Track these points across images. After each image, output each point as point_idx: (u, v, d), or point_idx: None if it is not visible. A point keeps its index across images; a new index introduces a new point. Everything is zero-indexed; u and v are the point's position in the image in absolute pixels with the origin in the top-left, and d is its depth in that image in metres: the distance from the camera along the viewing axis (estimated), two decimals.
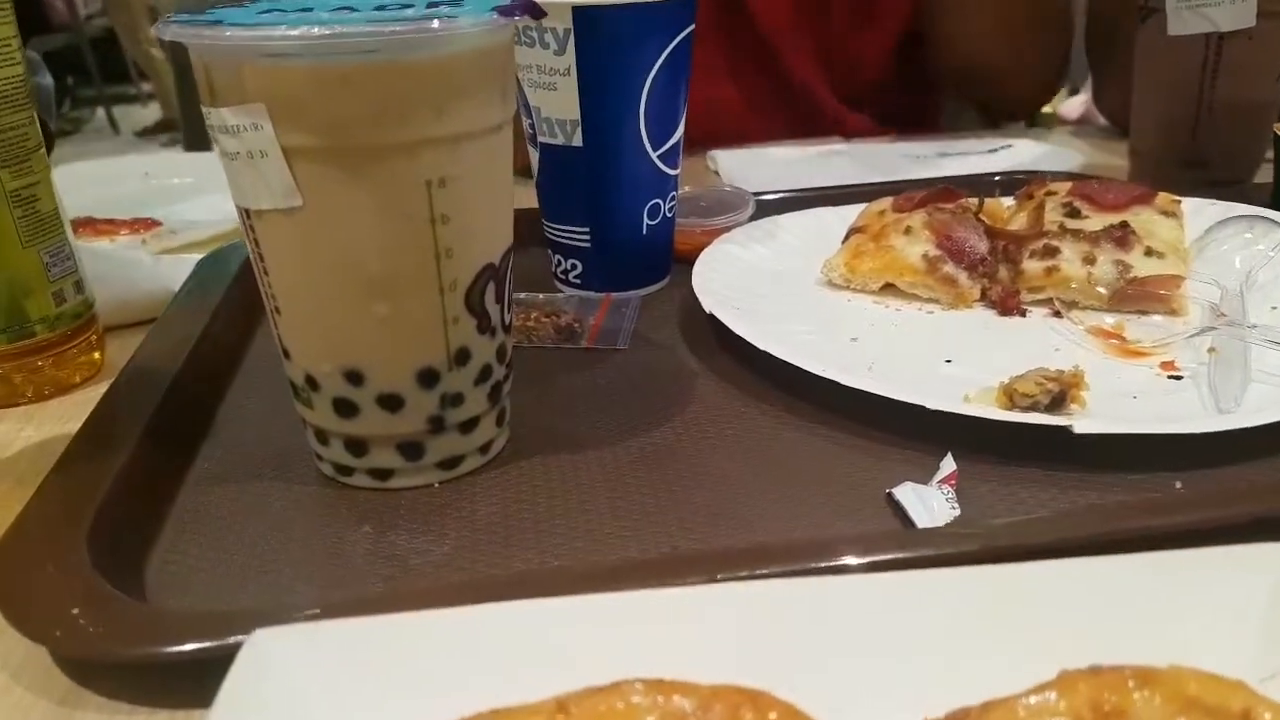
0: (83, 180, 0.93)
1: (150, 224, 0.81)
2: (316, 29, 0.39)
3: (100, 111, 4.92)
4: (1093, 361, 0.64)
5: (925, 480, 0.51)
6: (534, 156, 0.76)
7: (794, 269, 0.79)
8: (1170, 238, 0.74)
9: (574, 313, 0.75)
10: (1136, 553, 0.30)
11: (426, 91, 0.42)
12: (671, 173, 0.71)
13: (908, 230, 0.77)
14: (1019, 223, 0.77)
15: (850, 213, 0.87)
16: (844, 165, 1.14)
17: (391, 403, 0.49)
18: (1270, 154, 0.86)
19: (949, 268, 0.73)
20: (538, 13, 0.47)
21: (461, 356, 0.49)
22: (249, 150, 0.44)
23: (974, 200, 0.83)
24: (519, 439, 0.57)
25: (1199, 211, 0.80)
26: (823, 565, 0.38)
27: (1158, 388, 0.59)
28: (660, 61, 0.71)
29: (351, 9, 0.48)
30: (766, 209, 0.88)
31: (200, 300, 0.70)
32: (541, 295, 0.78)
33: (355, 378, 0.49)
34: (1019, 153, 1.13)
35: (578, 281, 0.79)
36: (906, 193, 0.86)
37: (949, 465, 0.51)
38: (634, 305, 0.76)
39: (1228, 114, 0.90)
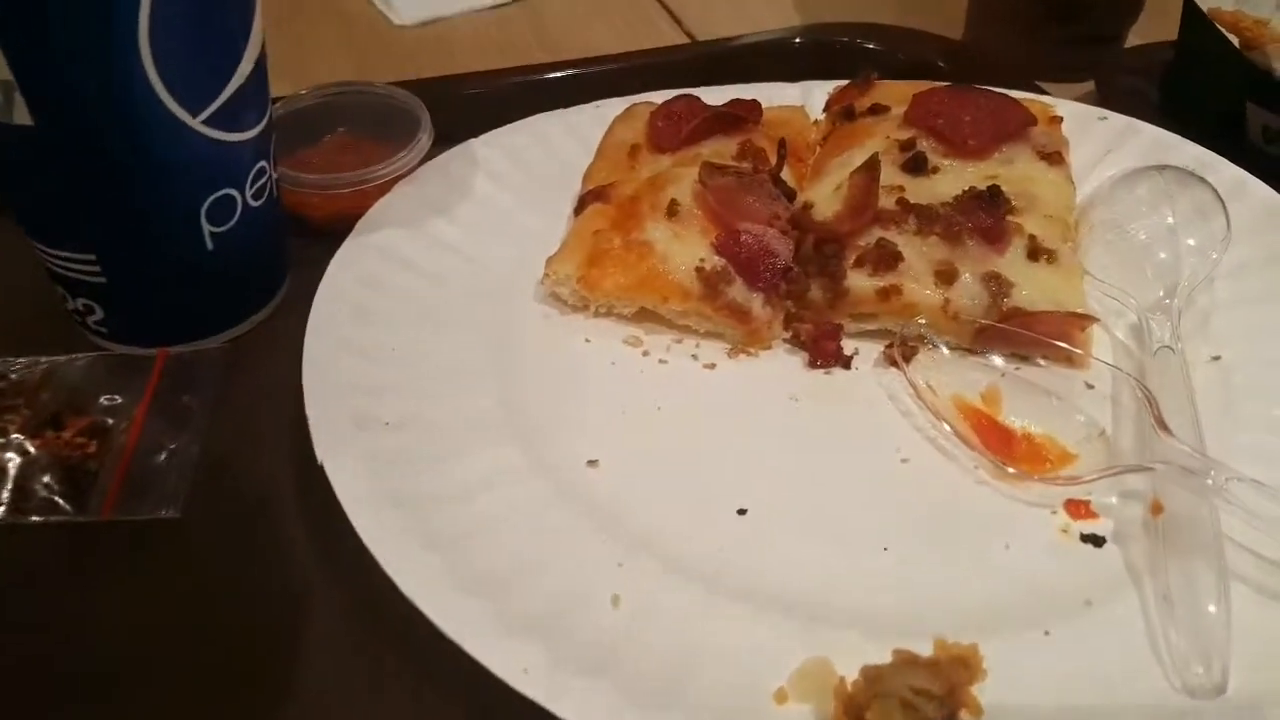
0: None
1: None
2: None
3: None
4: (962, 492, 0.40)
5: None
6: None
7: (498, 268, 0.49)
8: (1057, 203, 0.48)
9: (96, 414, 0.42)
10: None
11: None
12: (244, 138, 0.37)
13: (671, 211, 0.47)
14: (839, 179, 0.49)
15: (588, 126, 0.55)
16: None
17: None
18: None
19: (736, 291, 0.45)
20: None
21: None
22: None
23: (766, 121, 0.53)
24: None
25: (1084, 131, 0.54)
26: None
27: (1076, 588, 0.36)
28: None
29: None
30: (453, 114, 0.54)
31: None
32: (41, 365, 0.43)
33: None
34: None
35: (102, 331, 0.45)
36: (669, 103, 0.54)
37: None
38: (206, 385, 0.43)
39: None
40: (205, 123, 0.39)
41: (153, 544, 0.38)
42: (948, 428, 0.41)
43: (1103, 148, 0.54)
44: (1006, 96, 0.53)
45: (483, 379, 0.43)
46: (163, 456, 0.40)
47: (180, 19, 0.36)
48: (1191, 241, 0.47)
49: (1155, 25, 0.65)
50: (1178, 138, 0.53)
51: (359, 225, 0.48)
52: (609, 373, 0.45)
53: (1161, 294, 0.46)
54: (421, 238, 0.49)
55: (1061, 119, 0.53)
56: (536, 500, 0.37)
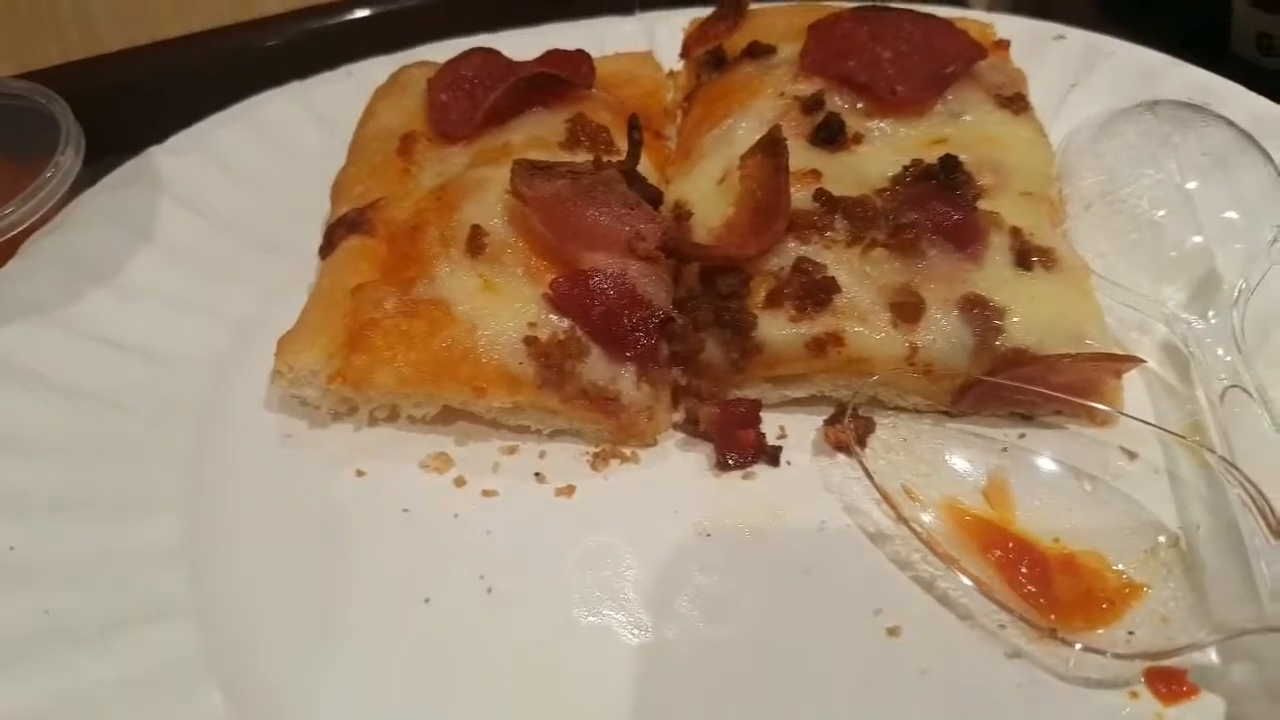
0: None
1: None
2: None
3: None
4: (992, 681, 0.25)
5: None
6: None
7: (196, 369, 0.31)
8: (1033, 170, 0.34)
9: None
10: None
11: None
12: None
13: (476, 244, 0.30)
14: (721, 165, 0.32)
15: (334, 105, 0.38)
16: None
17: None
18: None
19: (592, 368, 0.29)
20: None
21: None
22: None
23: (602, 80, 0.36)
24: None
25: (1036, 56, 0.40)
26: None
27: None
28: None
29: None
30: (116, 110, 0.35)
31: None
32: None
33: None
34: None
35: None
36: (455, 63, 0.37)
37: None
38: None
39: None
40: None
41: None
42: (965, 580, 0.26)
43: (1065, 79, 0.40)
44: (934, 19, 0.37)
45: (175, 587, 0.25)
46: None
47: None
48: (1231, 214, 0.33)
49: None
50: (1164, 57, 0.39)
51: None
52: (401, 530, 0.28)
53: (1189, 295, 0.32)
54: (66, 331, 0.30)
55: (1008, 43, 0.38)
56: None
